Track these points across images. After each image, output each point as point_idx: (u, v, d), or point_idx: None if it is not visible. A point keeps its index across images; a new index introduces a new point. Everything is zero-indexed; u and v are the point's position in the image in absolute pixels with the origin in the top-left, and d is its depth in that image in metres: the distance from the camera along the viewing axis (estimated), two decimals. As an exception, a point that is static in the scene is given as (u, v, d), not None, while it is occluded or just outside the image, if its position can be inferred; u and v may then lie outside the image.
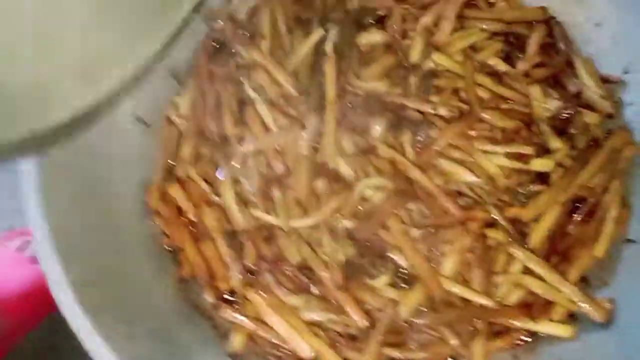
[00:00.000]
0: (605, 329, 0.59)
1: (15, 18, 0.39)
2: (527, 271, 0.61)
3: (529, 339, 0.61)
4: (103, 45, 0.44)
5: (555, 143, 0.65)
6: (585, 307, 0.59)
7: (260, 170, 0.65)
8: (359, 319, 0.60)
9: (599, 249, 0.62)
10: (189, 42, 0.73)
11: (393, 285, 0.61)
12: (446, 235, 0.62)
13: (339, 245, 0.62)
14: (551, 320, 0.60)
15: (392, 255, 0.62)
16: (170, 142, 0.70)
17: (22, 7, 0.41)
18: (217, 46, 0.73)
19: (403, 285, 0.62)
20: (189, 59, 0.73)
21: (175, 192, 0.66)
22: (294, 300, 0.61)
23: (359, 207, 0.63)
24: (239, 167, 0.66)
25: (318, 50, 0.69)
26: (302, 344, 0.59)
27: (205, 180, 0.67)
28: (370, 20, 0.72)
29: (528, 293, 0.61)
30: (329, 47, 0.69)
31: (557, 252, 0.62)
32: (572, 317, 0.61)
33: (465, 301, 0.60)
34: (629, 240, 0.63)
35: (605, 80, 0.69)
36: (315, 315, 0.60)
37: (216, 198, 0.66)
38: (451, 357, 0.60)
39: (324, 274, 0.61)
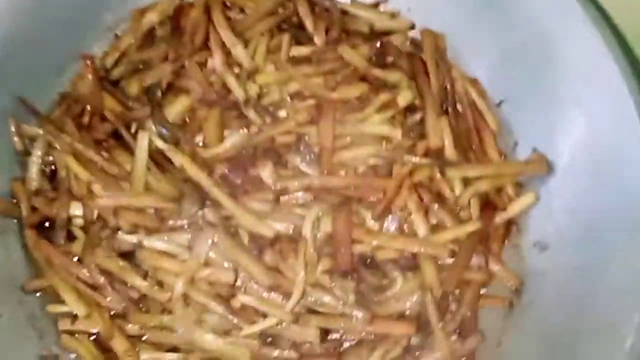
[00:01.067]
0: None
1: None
2: (467, 181, 0.65)
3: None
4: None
5: (394, 76, 0.68)
6: (526, 169, 0.65)
7: (215, 292, 0.58)
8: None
9: (491, 121, 0.68)
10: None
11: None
12: (398, 205, 0.62)
13: (342, 290, 0.58)
14: (512, 199, 0.65)
15: (378, 258, 0.60)
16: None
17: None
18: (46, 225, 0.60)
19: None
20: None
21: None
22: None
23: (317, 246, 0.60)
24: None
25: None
26: None
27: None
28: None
29: (480, 196, 0.65)
30: (159, 143, 0.62)
31: (468, 148, 0.67)
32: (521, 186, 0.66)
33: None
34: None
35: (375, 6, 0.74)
36: None
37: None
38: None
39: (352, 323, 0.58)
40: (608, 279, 0.55)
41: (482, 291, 0.62)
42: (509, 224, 0.65)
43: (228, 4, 0.71)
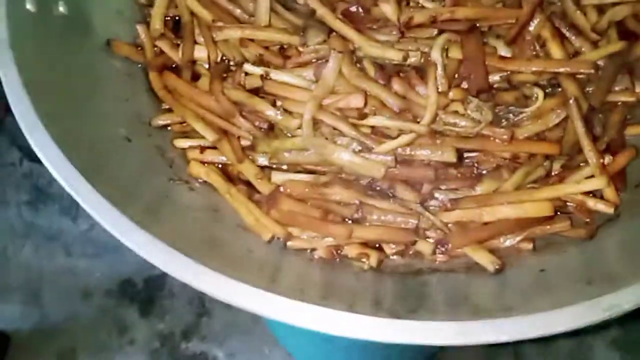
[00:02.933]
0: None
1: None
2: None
3: None
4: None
5: None
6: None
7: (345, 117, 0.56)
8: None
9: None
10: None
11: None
12: (531, 34, 0.59)
13: (477, 109, 0.55)
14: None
15: (514, 81, 0.57)
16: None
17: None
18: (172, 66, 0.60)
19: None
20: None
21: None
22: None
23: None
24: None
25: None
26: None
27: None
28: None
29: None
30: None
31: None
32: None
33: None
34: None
35: None
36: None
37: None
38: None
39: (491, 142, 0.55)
40: None
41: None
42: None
43: None
